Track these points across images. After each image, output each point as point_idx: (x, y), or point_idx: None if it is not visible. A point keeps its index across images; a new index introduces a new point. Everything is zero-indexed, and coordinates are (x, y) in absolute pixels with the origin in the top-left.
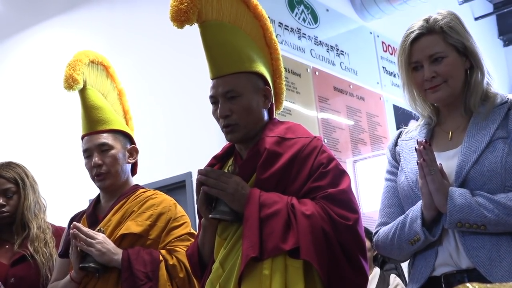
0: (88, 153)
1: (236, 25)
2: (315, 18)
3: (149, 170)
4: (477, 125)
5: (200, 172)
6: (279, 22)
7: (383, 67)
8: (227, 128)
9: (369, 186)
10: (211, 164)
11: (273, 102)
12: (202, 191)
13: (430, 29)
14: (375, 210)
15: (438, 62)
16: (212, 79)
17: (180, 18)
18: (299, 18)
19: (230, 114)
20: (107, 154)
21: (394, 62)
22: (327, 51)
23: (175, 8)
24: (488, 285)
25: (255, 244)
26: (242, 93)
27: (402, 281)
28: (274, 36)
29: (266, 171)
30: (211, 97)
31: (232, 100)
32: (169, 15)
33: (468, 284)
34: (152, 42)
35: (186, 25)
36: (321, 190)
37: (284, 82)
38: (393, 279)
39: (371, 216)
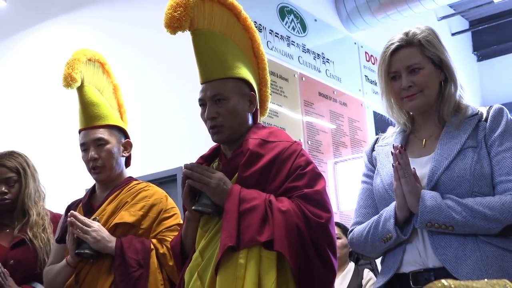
0: (85, 147)
1: (226, 35)
2: (304, 27)
3: (143, 164)
4: (449, 134)
5: (186, 167)
6: (270, 30)
7: (365, 76)
8: (214, 129)
9: (348, 187)
10: (198, 163)
11: (258, 107)
12: (186, 184)
13: (409, 42)
14: (353, 209)
15: (415, 73)
16: (201, 84)
17: (173, 25)
18: (289, 27)
19: (217, 116)
20: (103, 148)
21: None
22: (314, 59)
23: (169, 16)
24: (462, 282)
25: (232, 235)
26: (228, 97)
27: (375, 275)
28: (262, 48)
29: (248, 169)
30: (200, 100)
31: (219, 103)
32: (163, 22)
33: (443, 281)
34: (150, 41)
35: (179, 31)
36: (298, 190)
37: (269, 91)
38: (367, 273)
39: (348, 215)
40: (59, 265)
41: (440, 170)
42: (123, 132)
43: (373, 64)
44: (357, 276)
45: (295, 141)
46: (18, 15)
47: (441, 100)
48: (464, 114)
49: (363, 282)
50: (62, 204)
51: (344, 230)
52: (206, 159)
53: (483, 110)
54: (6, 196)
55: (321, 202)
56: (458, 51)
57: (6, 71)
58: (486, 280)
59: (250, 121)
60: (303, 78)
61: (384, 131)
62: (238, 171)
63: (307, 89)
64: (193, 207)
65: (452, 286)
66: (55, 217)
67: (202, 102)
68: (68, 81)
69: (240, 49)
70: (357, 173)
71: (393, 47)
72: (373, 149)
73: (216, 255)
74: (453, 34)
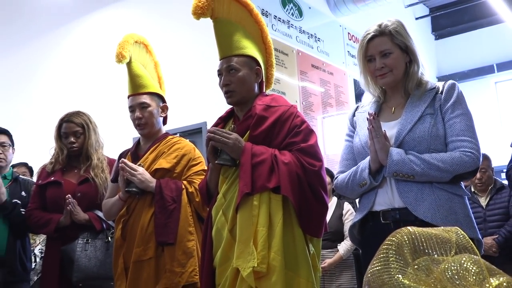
0: (132, 109)
1: (240, 25)
2: (301, 13)
3: (176, 119)
4: (412, 103)
5: (209, 131)
6: (274, 15)
7: (348, 51)
8: (227, 94)
9: (333, 137)
10: (216, 123)
11: (264, 81)
12: (210, 144)
13: (381, 32)
14: (336, 153)
15: (386, 57)
16: (220, 60)
17: (197, 12)
18: (288, 13)
19: (230, 83)
20: (146, 110)
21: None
22: (308, 38)
23: (195, 5)
24: (424, 229)
25: (248, 183)
26: (239, 69)
27: (353, 207)
28: (269, 37)
29: (257, 129)
30: (218, 71)
31: (232, 73)
32: (191, 10)
33: (409, 228)
34: (183, 27)
35: (202, 18)
36: (296, 145)
37: (274, 71)
38: (346, 205)
39: (333, 158)
40: (114, 199)
41: (405, 132)
42: (161, 98)
43: (354, 42)
44: (339, 208)
45: (292, 105)
46: (78, 3)
47: (406, 77)
48: (425, 88)
49: (343, 212)
50: (115, 152)
51: (329, 171)
52: (223, 119)
53: (440, 85)
54: (74, 145)
55: (314, 154)
56: (420, 32)
57: (70, 50)
58: (442, 228)
59: (256, 89)
60: (300, 53)
61: (361, 94)
62: (249, 131)
63: (302, 61)
64: (216, 161)
65: (416, 232)
66: (110, 162)
67: (220, 73)
68: (120, 58)
69: (252, 36)
70: (340, 126)
71: (369, 36)
72: (354, 115)
73: (235, 198)
74: (416, 18)
